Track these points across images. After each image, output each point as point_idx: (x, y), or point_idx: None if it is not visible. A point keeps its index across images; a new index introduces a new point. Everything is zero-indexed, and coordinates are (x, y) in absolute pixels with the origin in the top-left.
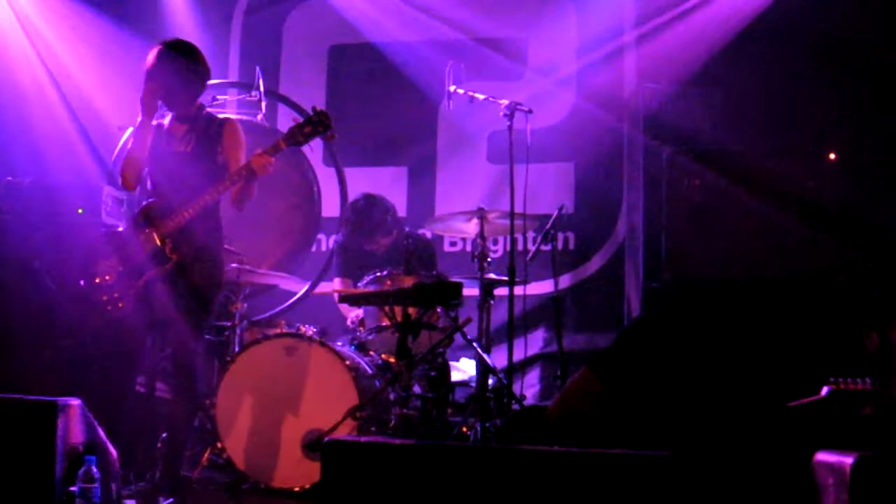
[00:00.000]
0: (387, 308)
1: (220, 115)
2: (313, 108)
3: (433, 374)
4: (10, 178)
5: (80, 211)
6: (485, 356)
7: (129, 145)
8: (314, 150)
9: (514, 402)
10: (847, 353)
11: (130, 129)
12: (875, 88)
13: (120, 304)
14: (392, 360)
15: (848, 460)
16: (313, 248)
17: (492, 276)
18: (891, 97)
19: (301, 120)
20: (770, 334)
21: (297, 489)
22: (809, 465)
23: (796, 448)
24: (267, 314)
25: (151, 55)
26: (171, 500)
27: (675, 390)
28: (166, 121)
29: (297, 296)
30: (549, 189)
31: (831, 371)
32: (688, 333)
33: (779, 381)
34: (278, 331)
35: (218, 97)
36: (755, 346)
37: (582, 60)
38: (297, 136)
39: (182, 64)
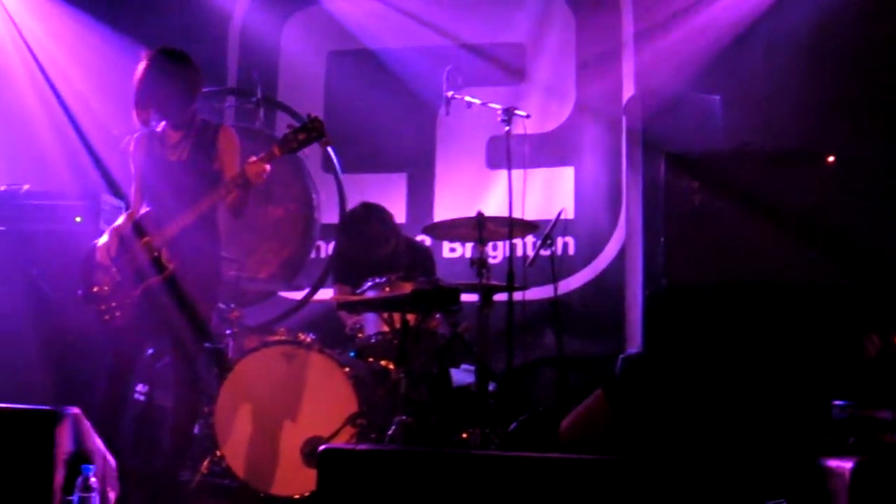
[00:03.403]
0: (385, 315)
1: (215, 122)
2: (308, 115)
3: (433, 380)
4: (6, 187)
5: (77, 219)
6: (484, 362)
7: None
8: (312, 156)
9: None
10: (849, 358)
11: (138, 133)
12: (874, 92)
13: (117, 314)
14: (391, 366)
15: (847, 465)
16: (312, 255)
17: (491, 281)
18: (891, 101)
19: (296, 127)
20: (774, 343)
21: (296, 497)
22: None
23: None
24: (266, 321)
25: (142, 63)
26: None
27: (685, 417)
28: (160, 128)
29: (297, 303)
30: (548, 194)
31: (835, 381)
32: (696, 359)
33: (784, 393)
34: (277, 338)
35: (215, 104)
36: (761, 360)
37: (580, 65)
38: (292, 143)
39: (173, 71)
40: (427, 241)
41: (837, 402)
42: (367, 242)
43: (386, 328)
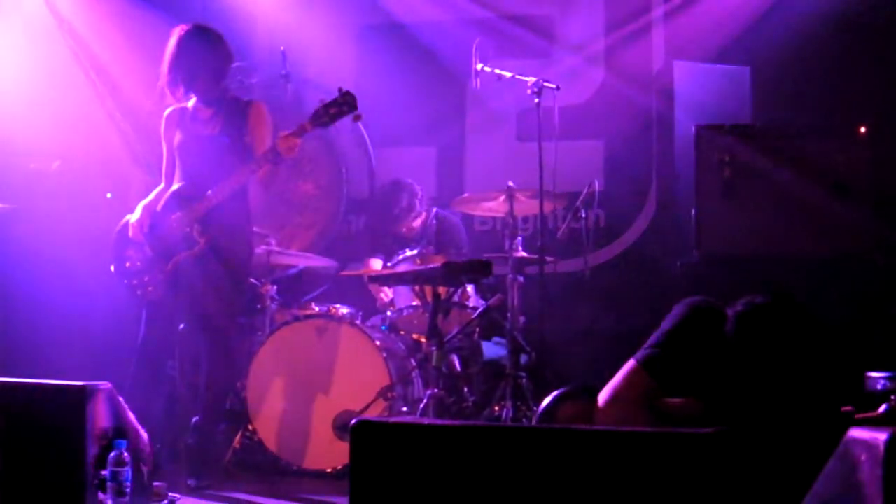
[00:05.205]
0: (417, 288)
1: (245, 97)
2: (339, 89)
3: (464, 353)
4: (36, 164)
5: (108, 195)
6: (516, 335)
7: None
8: (342, 130)
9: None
10: (882, 334)
11: (169, 109)
12: None
13: (149, 289)
14: (423, 339)
15: (882, 436)
16: (343, 230)
17: (522, 254)
18: None
19: (328, 101)
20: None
21: (329, 470)
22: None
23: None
24: (297, 295)
25: (172, 40)
26: (201, 481)
27: (729, 384)
28: (190, 104)
29: (328, 277)
30: (578, 166)
31: (867, 357)
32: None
33: (821, 371)
34: (309, 312)
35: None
36: (793, 332)
37: (610, 36)
38: (323, 118)
39: (203, 47)
40: (457, 214)
41: (877, 374)
42: (397, 216)
43: (417, 301)
